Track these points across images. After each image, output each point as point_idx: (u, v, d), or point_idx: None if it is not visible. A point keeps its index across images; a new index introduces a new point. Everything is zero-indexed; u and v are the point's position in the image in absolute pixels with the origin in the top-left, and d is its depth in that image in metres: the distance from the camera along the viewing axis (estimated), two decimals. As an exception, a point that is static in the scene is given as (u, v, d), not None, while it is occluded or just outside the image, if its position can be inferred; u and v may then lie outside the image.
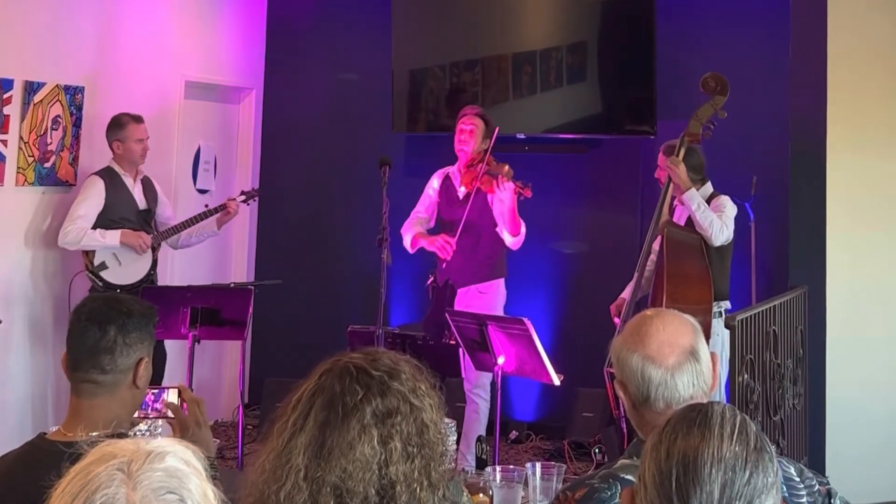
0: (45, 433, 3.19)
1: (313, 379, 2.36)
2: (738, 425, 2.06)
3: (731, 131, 7.88)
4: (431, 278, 7.83)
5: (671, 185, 7.09)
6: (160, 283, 7.98)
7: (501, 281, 7.78)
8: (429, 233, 7.78)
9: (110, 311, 3.21)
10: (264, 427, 2.41)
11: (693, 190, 6.97)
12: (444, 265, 7.66)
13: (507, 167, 7.49)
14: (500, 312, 7.64)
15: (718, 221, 6.91)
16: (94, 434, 3.00)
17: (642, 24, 8.70)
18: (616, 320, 7.17)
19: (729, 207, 7.01)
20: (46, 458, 2.93)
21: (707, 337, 6.59)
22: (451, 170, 7.81)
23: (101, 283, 7.57)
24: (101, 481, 1.61)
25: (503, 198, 7.44)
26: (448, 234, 7.59)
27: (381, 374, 2.34)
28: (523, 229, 7.57)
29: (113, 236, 7.58)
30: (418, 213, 7.86)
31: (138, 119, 7.75)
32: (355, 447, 2.25)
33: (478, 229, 7.65)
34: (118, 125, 7.71)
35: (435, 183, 7.88)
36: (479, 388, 7.48)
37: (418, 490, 2.28)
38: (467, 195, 7.62)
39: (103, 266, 7.61)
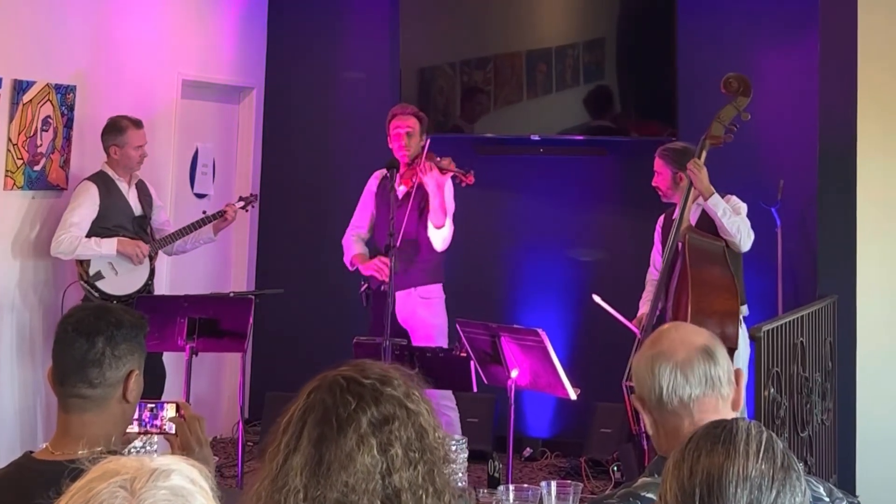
0: (31, 452, 3.18)
1: (301, 398, 2.35)
2: (764, 442, 2.08)
3: (756, 133, 7.89)
4: (365, 285, 7.79)
5: (691, 190, 7.11)
6: (156, 292, 7.99)
7: (440, 286, 7.80)
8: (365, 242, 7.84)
9: (98, 322, 3.19)
10: (264, 443, 2.41)
11: (717, 195, 6.99)
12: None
13: (449, 159, 7.54)
14: (445, 318, 7.70)
15: (745, 227, 6.96)
16: (83, 452, 3.01)
17: (663, 19, 8.70)
18: (637, 332, 7.20)
19: (743, 208, 7.08)
20: (33, 479, 2.94)
21: (733, 347, 6.63)
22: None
23: (96, 294, 7.58)
24: (103, 499, 1.61)
25: (430, 183, 7.48)
26: (382, 255, 7.50)
27: (372, 382, 2.33)
28: (449, 223, 7.58)
29: (109, 245, 7.58)
30: (358, 228, 7.90)
31: (138, 124, 7.76)
32: (355, 458, 2.25)
33: (417, 233, 7.65)
34: (117, 130, 7.72)
35: (373, 186, 7.91)
36: (444, 398, 7.40)
37: (424, 497, 2.28)
38: (407, 194, 7.63)
39: (99, 276, 7.61)
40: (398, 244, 7.31)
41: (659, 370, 2.94)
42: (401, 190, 7.65)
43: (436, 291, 7.78)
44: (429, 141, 7.67)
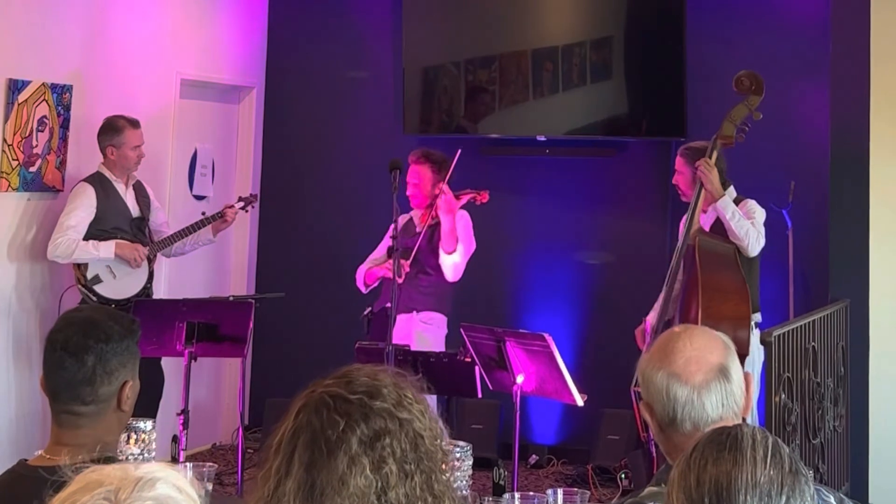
0: (26, 459, 3.16)
1: (290, 418, 2.32)
2: (770, 448, 2.07)
3: (767, 133, 7.88)
4: (369, 309, 7.80)
5: (702, 191, 7.08)
6: (154, 295, 7.98)
7: (444, 318, 7.81)
8: None
9: (86, 340, 3.13)
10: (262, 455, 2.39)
11: (727, 197, 6.97)
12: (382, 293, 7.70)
13: (467, 190, 7.63)
14: (444, 348, 7.65)
15: (755, 230, 6.93)
16: (82, 457, 2.99)
17: (672, 18, 8.70)
18: (641, 346, 7.16)
19: (759, 213, 7.04)
20: (28, 486, 2.92)
21: (744, 353, 6.61)
22: (414, 212, 7.87)
23: (94, 298, 7.58)
24: None
25: (442, 207, 7.56)
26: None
27: (359, 397, 2.30)
28: (461, 250, 7.62)
29: (107, 248, 7.58)
30: (373, 260, 7.93)
31: (135, 124, 7.75)
32: (347, 481, 2.23)
33: (426, 260, 7.69)
34: (114, 130, 7.71)
35: (399, 224, 7.95)
36: None
37: None
38: (423, 227, 7.69)
39: (97, 280, 7.61)
40: (412, 255, 7.37)
41: (675, 394, 2.88)
42: (419, 227, 7.74)
43: (438, 319, 7.79)
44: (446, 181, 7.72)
